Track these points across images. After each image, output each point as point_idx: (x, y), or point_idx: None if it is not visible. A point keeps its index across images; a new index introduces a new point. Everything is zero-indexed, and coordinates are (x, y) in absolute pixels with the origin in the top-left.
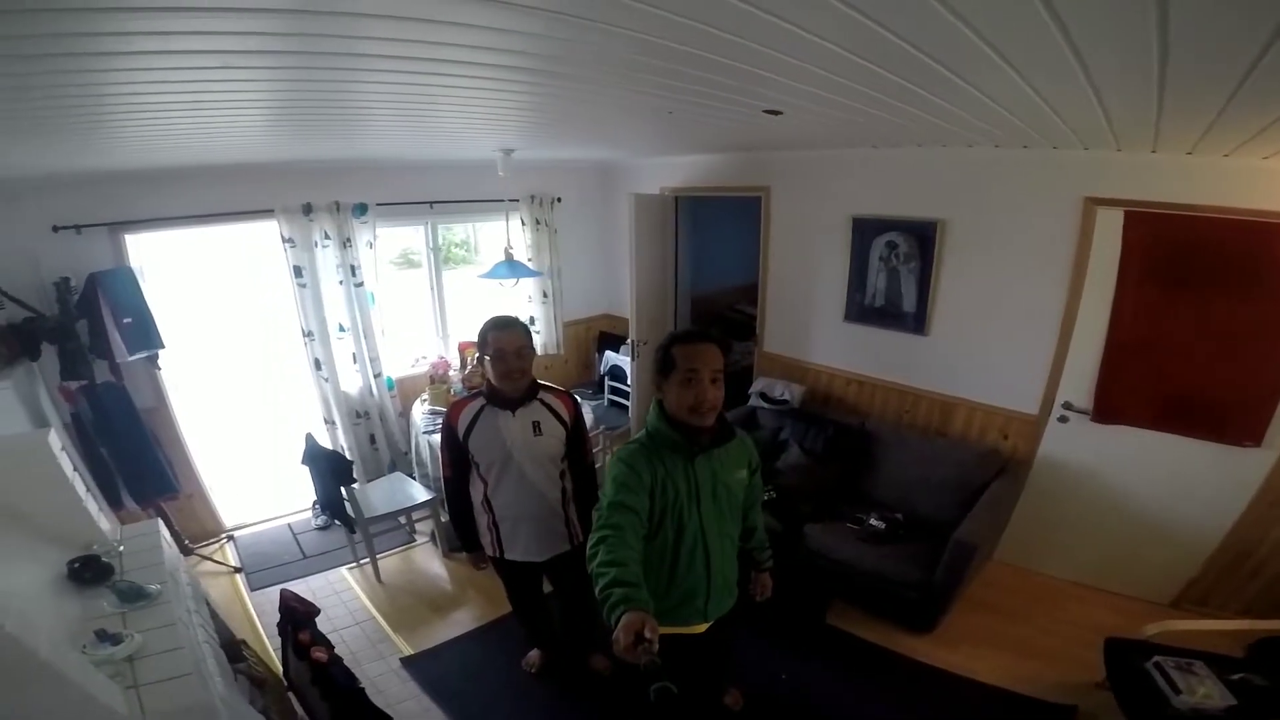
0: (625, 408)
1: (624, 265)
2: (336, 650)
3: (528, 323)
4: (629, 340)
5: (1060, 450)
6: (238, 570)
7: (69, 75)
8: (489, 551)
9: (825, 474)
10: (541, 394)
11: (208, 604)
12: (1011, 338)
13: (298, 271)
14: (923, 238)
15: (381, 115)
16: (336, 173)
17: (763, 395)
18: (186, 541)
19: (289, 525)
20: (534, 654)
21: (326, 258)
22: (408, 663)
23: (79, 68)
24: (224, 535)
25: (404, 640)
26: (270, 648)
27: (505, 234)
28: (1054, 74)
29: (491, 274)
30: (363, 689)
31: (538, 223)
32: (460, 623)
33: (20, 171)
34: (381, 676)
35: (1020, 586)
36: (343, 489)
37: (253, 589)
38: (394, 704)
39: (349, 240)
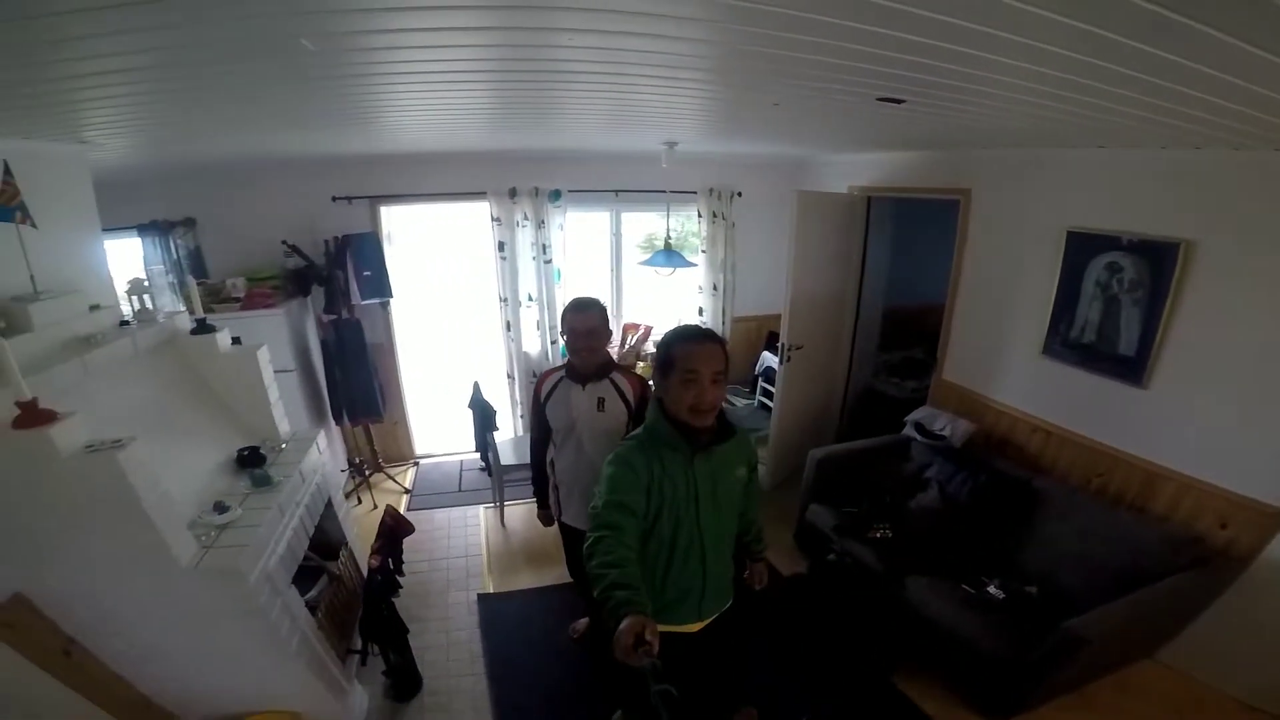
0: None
1: (820, 265)
2: (440, 575)
3: (697, 314)
4: (779, 343)
5: None
6: (407, 491)
7: (352, 81)
8: (553, 512)
9: (959, 526)
10: (614, 373)
11: (330, 504)
12: (1268, 404)
13: (500, 246)
14: (1157, 261)
15: (572, 109)
16: (537, 162)
17: (919, 426)
18: (380, 460)
19: (461, 462)
20: (583, 622)
21: (524, 236)
22: (482, 599)
23: (357, 74)
24: (412, 460)
25: (492, 580)
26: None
27: (666, 224)
28: None
29: (649, 261)
30: (391, 601)
31: (714, 215)
32: (541, 578)
33: (311, 155)
34: (456, 605)
35: (1165, 694)
36: (488, 435)
37: (410, 509)
38: (451, 630)
39: (543, 222)
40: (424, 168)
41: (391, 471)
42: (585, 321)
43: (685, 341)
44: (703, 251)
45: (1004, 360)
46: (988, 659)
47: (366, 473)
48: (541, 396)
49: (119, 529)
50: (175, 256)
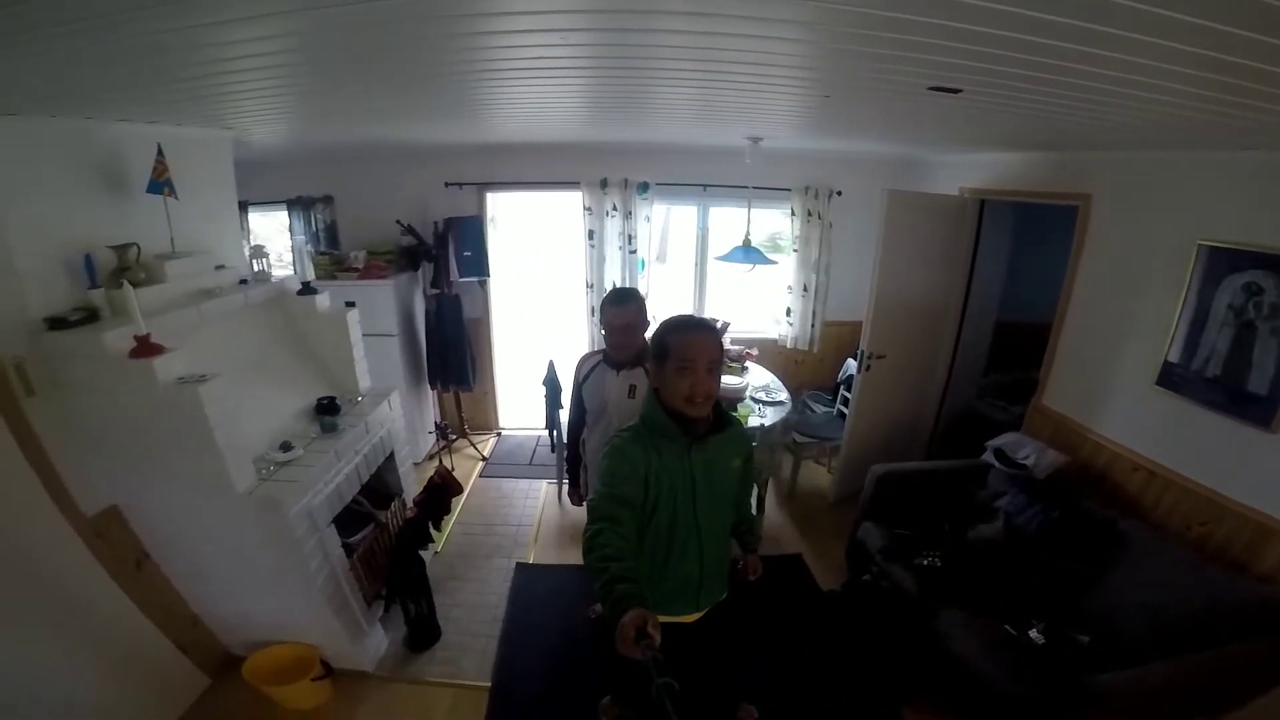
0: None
1: (914, 271)
2: (491, 540)
3: (785, 314)
4: (858, 349)
5: None
6: (484, 459)
7: (469, 77)
8: (583, 492)
9: (1018, 562)
10: (648, 363)
11: (391, 458)
12: None
13: (590, 234)
14: None
15: (663, 104)
16: (627, 154)
17: (1000, 453)
18: (466, 427)
19: (537, 437)
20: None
21: (612, 226)
22: (519, 568)
23: (475, 70)
24: (495, 431)
25: (534, 551)
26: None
27: (746, 221)
28: None
29: (727, 257)
30: (419, 554)
31: (809, 214)
32: (577, 555)
33: (428, 143)
34: (496, 571)
35: None
36: (554, 414)
37: (482, 476)
38: (484, 592)
39: (631, 212)
40: (525, 157)
41: (475, 439)
42: (622, 316)
43: (681, 330)
44: (794, 250)
45: (1112, 389)
46: (1001, 701)
47: (451, 437)
48: (580, 378)
49: (194, 455)
50: (314, 229)
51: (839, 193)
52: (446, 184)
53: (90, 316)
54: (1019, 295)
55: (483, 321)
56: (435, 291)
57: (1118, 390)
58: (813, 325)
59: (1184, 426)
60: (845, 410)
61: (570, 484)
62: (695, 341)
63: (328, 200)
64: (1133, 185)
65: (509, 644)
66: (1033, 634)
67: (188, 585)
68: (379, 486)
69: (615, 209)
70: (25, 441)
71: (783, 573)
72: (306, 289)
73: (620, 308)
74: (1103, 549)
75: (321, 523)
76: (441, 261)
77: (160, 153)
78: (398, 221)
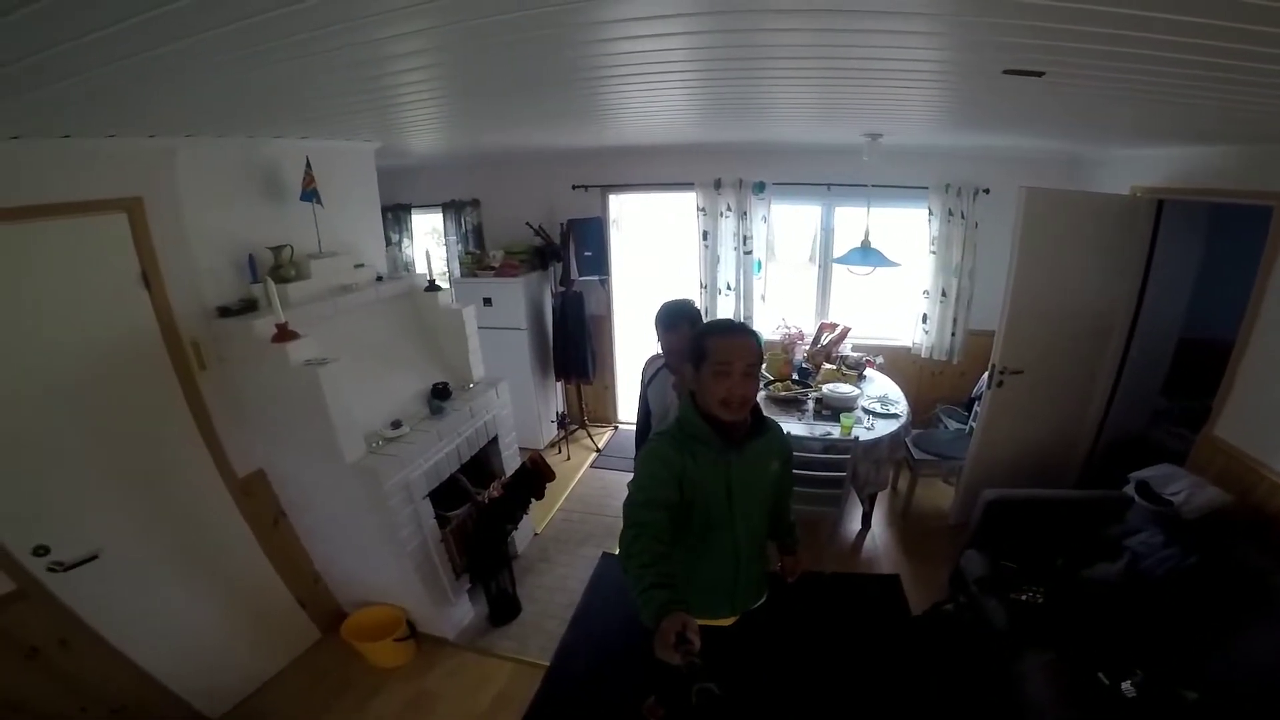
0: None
1: (1065, 278)
2: (585, 528)
3: (920, 321)
4: (990, 363)
5: None
6: (598, 451)
7: (594, 81)
8: None
9: (1136, 608)
10: None
11: (495, 441)
12: None
13: (704, 235)
14: None
15: (783, 99)
16: (742, 154)
17: (1143, 486)
18: (586, 418)
19: None
20: None
21: (727, 226)
22: (604, 557)
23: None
24: (613, 425)
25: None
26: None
27: (866, 219)
28: None
29: (845, 259)
30: (506, 532)
31: (949, 213)
32: None
33: (557, 148)
34: (585, 558)
35: None
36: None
37: (592, 466)
38: (566, 576)
39: (746, 213)
40: (643, 159)
41: (593, 431)
42: (676, 341)
43: (718, 334)
44: (933, 253)
45: None
46: None
47: (571, 427)
48: (645, 380)
49: (316, 427)
50: (464, 229)
51: (986, 190)
52: (573, 186)
53: (250, 306)
54: (1209, 309)
55: (604, 318)
56: (561, 289)
57: None
58: (953, 334)
59: None
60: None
61: None
62: (732, 345)
63: (475, 203)
64: None
65: (576, 628)
66: (1125, 686)
67: (311, 544)
68: (483, 468)
69: (730, 209)
70: (196, 407)
71: (873, 593)
72: (432, 286)
73: (671, 333)
74: (1242, 603)
75: (417, 495)
76: (565, 261)
77: (309, 165)
78: (528, 223)
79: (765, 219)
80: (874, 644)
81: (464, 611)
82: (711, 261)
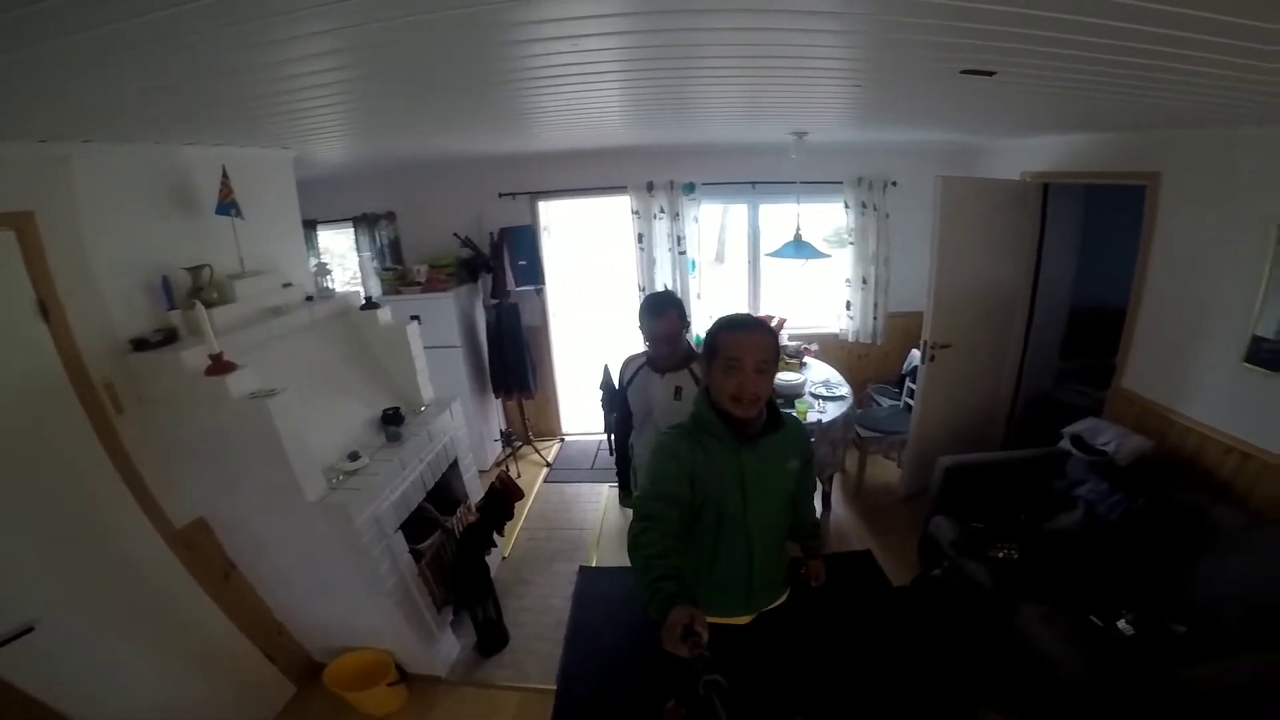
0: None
1: (976, 258)
2: (553, 544)
3: (845, 308)
4: (922, 339)
5: None
6: (548, 465)
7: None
8: (632, 490)
9: (1101, 552)
10: (693, 364)
11: (455, 464)
12: None
13: (639, 238)
14: None
15: (711, 102)
16: (673, 155)
17: (1078, 440)
18: (530, 433)
19: (599, 442)
20: None
21: (661, 228)
22: (582, 571)
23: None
24: (559, 437)
25: (596, 554)
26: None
27: (796, 215)
28: None
29: (778, 253)
30: (483, 559)
31: (864, 205)
32: None
33: (482, 154)
34: (559, 574)
35: None
36: (611, 418)
37: (546, 481)
38: (547, 595)
39: (678, 214)
40: (574, 164)
41: (539, 445)
42: (664, 326)
43: (730, 329)
44: (850, 244)
45: (1197, 369)
46: (1086, 697)
47: (516, 444)
48: (624, 381)
49: (267, 466)
50: (380, 245)
51: (894, 183)
52: (500, 194)
53: (170, 337)
54: (1094, 279)
55: (541, 329)
56: (495, 301)
57: (1204, 370)
58: (875, 318)
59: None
60: (911, 402)
61: (620, 487)
62: (743, 340)
63: (390, 216)
64: (1203, 163)
65: (573, 647)
66: (1121, 625)
67: (271, 593)
68: (445, 493)
69: (663, 211)
70: (117, 457)
71: (852, 570)
72: (369, 304)
73: (658, 319)
74: (1190, 537)
75: (389, 528)
76: (498, 271)
77: (225, 175)
78: (455, 234)
79: (696, 220)
80: (869, 619)
81: (450, 646)
82: (648, 264)
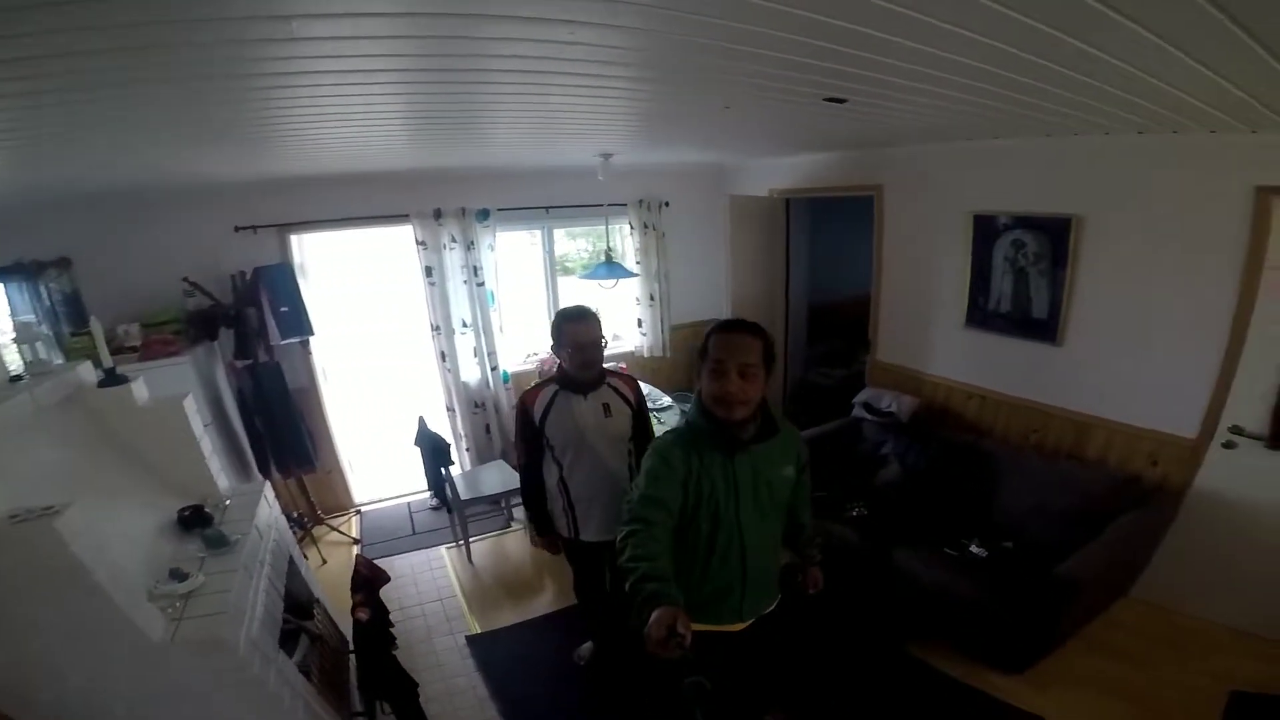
0: None
1: (757, 266)
2: (418, 622)
3: (637, 326)
4: None
5: (1224, 480)
6: (356, 541)
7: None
8: (564, 534)
9: (926, 494)
10: (609, 378)
11: (292, 561)
12: (1166, 349)
13: (428, 271)
14: (1055, 236)
15: (500, 121)
16: (463, 180)
17: (867, 406)
18: (319, 512)
19: (408, 504)
20: (586, 646)
21: (453, 259)
22: (471, 641)
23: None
24: (354, 509)
25: (475, 619)
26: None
27: (605, 237)
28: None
29: (591, 275)
30: (392, 653)
31: (645, 226)
32: (529, 609)
33: (209, 181)
34: (446, 650)
35: (1154, 628)
36: (442, 470)
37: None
38: (449, 678)
39: (473, 243)
40: (338, 190)
41: (334, 523)
42: (589, 333)
43: (719, 331)
44: (637, 263)
45: (932, 336)
46: (993, 618)
47: (307, 525)
48: (536, 415)
49: (70, 604)
50: (48, 303)
51: (667, 203)
52: (238, 228)
53: None
54: (823, 278)
55: (310, 390)
56: (246, 362)
57: (937, 337)
58: (663, 332)
59: (996, 355)
60: None
61: (538, 532)
62: (731, 343)
63: (63, 264)
64: (916, 173)
65: (517, 714)
66: (973, 549)
67: None
68: (289, 596)
69: (455, 240)
70: None
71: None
72: (112, 377)
73: (582, 324)
74: (979, 468)
75: (270, 650)
76: (251, 323)
77: None
78: (184, 280)
79: (492, 248)
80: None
81: None
82: (441, 300)
